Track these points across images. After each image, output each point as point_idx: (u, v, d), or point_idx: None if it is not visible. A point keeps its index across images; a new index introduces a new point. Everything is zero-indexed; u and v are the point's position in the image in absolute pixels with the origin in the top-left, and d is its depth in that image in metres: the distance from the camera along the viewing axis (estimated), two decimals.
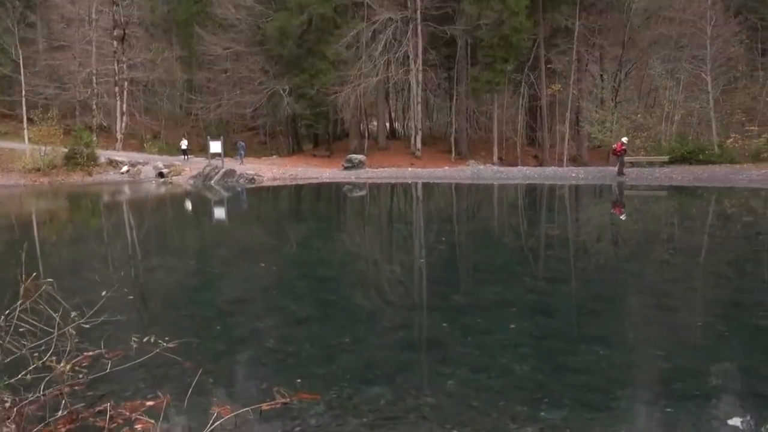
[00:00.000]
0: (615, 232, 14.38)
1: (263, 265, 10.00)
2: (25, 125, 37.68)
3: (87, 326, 4.21)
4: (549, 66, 43.80)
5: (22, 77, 39.78)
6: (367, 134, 48.44)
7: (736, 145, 30.14)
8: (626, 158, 28.12)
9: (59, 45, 46.74)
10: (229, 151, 39.19)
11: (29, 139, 35.76)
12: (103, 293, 4.72)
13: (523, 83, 43.19)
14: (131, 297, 7.47)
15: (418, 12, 40.29)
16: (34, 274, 3.93)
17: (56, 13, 47.60)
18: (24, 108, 38.73)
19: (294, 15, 40.92)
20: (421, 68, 41.86)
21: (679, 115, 34.28)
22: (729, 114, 34.66)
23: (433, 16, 40.87)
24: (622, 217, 16.79)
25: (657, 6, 40.36)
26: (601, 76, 45.48)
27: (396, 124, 58.62)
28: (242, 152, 38.56)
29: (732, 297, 7.56)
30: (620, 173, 27.18)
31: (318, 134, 50.56)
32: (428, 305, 7.37)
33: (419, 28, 40.62)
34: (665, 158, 29.41)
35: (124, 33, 46.65)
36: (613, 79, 43.53)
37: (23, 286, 3.87)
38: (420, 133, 43.42)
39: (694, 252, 10.96)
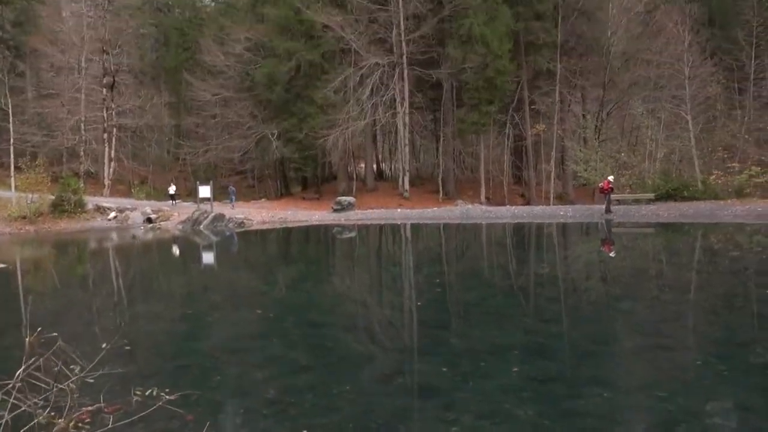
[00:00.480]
0: (605, 269, 14.48)
1: (259, 311, 9.93)
2: (12, 173, 37.50)
3: (90, 380, 4.16)
4: (533, 107, 44.76)
5: (11, 125, 39.82)
6: (355, 176, 48.79)
7: (719, 181, 30.74)
8: (613, 196, 28.55)
9: (48, 93, 47.04)
10: (217, 195, 39.22)
11: (16, 187, 35.55)
12: (103, 345, 4.67)
13: (508, 124, 44.03)
14: (127, 348, 7.37)
15: (404, 57, 41.20)
16: (39, 329, 3.89)
17: (46, 62, 48.08)
18: (12, 156, 38.64)
19: (282, 61, 41.66)
20: (407, 111, 42.55)
21: (661, 153, 35.02)
22: (710, 151, 35.48)
23: (418, 60, 41.80)
24: (612, 255, 16.94)
25: (635, 49, 41.70)
26: (584, 116, 46.45)
27: (383, 166, 59.16)
28: (233, 197, 38.72)
29: (726, 334, 7.62)
30: (607, 211, 27.53)
31: (306, 177, 50.87)
32: (426, 350, 7.34)
33: (405, 72, 41.48)
34: (651, 195, 29.88)
35: (114, 80, 47.15)
36: (596, 119, 44.49)
37: (28, 340, 3.82)
38: (408, 174, 43.83)
39: (684, 288, 11.07)
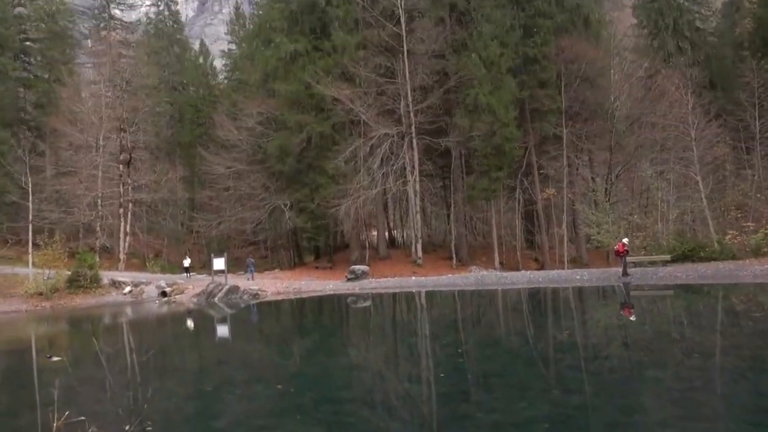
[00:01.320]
0: (627, 334, 14.20)
1: (279, 386, 9.77)
2: (30, 250, 38.03)
3: None
4: (542, 171, 45.24)
5: (30, 204, 40.70)
6: (367, 244, 48.92)
7: (735, 241, 30.47)
8: (628, 258, 28.31)
9: (67, 171, 48.32)
10: (231, 267, 39.38)
11: (33, 263, 35.98)
12: (126, 428, 4.62)
13: (518, 189, 44.39)
14: (149, 429, 7.23)
15: (413, 127, 42.15)
16: (67, 413, 3.88)
17: (65, 141, 49.61)
18: (30, 233, 39.31)
19: (294, 134, 42.71)
20: (418, 179, 43.10)
21: (674, 214, 34.96)
22: (723, 211, 35.40)
23: (427, 129, 42.72)
24: (633, 319, 16.64)
25: (639, 113, 42.45)
26: (593, 178, 46.80)
27: (395, 233, 59.36)
28: (252, 268, 39.09)
29: (758, 400, 7.37)
30: (624, 273, 27.24)
31: (319, 246, 51.06)
32: (450, 424, 7.15)
33: (414, 141, 42.31)
34: (667, 257, 29.59)
35: (130, 157, 48.42)
36: (605, 182, 44.77)
37: (55, 426, 3.81)
38: (420, 241, 43.90)
39: (710, 353, 10.81)
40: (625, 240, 28.76)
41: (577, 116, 45.01)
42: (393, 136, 42.11)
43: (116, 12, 65.32)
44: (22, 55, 55.97)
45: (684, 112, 34.63)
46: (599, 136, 45.18)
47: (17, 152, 46.72)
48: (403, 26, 40.95)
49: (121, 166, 48.03)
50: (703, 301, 20.57)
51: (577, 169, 47.78)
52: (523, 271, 35.99)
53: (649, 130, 40.75)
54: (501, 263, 42.75)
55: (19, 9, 56.59)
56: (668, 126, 37.06)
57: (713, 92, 46.87)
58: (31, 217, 40.59)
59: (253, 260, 41.25)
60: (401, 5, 40.64)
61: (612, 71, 43.99)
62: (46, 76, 55.05)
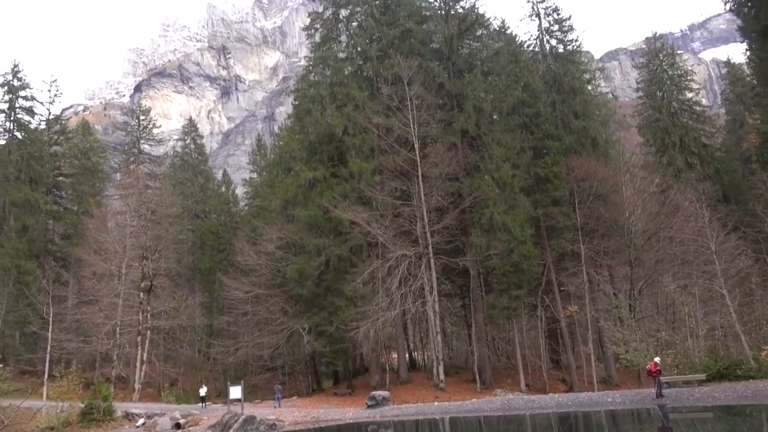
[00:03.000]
0: None
1: None
2: (45, 381, 37.51)
3: None
4: (562, 288, 44.68)
5: (50, 333, 40.75)
6: (387, 367, 47.51)
7: None
8: (662, 378, 27.03)
9: (88, 300, 48.75)
10: (248, 395, 38.27)
11: (47, 396, 35.30)
12: None
13: (539, 307, 43.62)
14: None
15: (430, 247, 42.44)
16: None
17: (89, 270, 50.51)
18: (47, 364, 38.99)
19: (312, 257, 43.16)
20: (437, 299, 42.66)
21: (703, 329, 33.82)
22: (755, 326, 34.19)
23: (444, 249, 42.96)
24: None
25: (655, 228, 42.52)
26: (615, 294, 45.97)
27: (416, 355, 57.77)
28: (279, 395, 38.23)
29: None
30: (659, 395, 25.87)
31: (338, 371, 49.70)
32: None
33: (432, 261, 42.40)
34: (702, 376, 28.21)
35: (151, 284, 48.90)
36: (628, 297, 43.92)
37: None
38: (441, 363, 42.56)
39: None
40: (657, 359, 27.60)
41: (593, 232, 45.20)
42: (411, 257, 42.31)
43: (145, 147, 69.15)
44: (54, 190, 58.86)
45: (701, 226, 34.65)
46: (617, 251, 45.01)
47: (41, 282, 47.53)
48: (417, 152, 42.61)
49: (141, 294, 48.41)
50: (747, 424, 19.32)
51: (598, 285, 47.15)
52: (551, 394, 34.41)
53: (667, 244, 40.62)
54: (527, 385, 41.02)
55: (55, 147, 60.32)
56: (687, 240, 36.93)
57: (728, 205, 47.19)
58: (49, 348, 40.46)
59: (280, 387, 40.68)
60: (415, 133, 42.57)
61: (624, 188, 44.69)
62: (75, 208, 57.48)
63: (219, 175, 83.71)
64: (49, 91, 59.65)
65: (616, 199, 44.70)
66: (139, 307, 48.03)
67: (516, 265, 39.35)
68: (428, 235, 42.43)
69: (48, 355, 39.96)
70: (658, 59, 59.97)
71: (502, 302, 40.24)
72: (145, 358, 46.75)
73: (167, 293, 51.23)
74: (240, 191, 78.15)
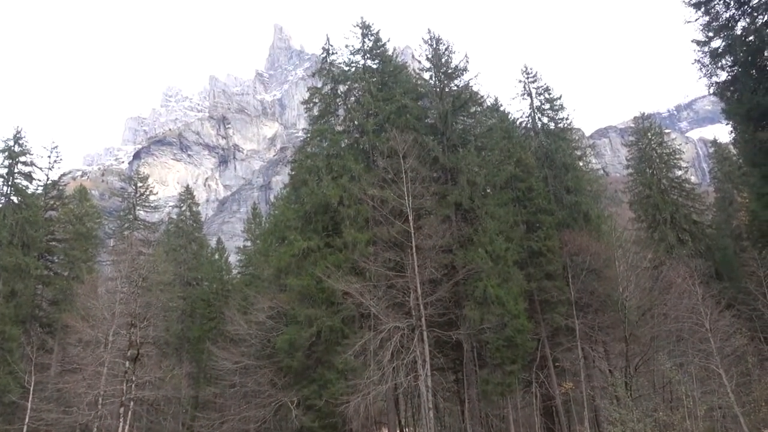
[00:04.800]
0: None
1: None
2: None
3: None
4: (557, 364, 43.97)
5: (29, 403, 39.41)
6: None
7: None
8: None
9: (72, 368, 47.44)
10: None
11: None
12: None
13: (533, 383, 42.75)
14: None
15: (423, 320, 41.96)
16: None
17: (75, 337, 49.38)
18: None
19: (303, 328, 42.51)
20: (429, 373, 41.76)
21: (701, 410, 33.10)
22: (754, 408, 33.52)
23: (437, 322, 42.45)
24: None
25: (649, 304, 42.40)
26: (611, 371, 45.20)
27: (407, 431, 56.00)
28: None
29: None
30: None
31: None
32: None
33: (425, 334, 41.81)
34: None
35: (138, 353, 47.74)
36: (624, 374, 43.16)
37: None
38: None
39: None
40: None
41: (587, 307, 44.98)
42: (403, 329, 41.76)
43: (141, 213, 69.40)
44: (46, 254, 58.44)
45: (694, 303, 34.57)
46: (612, 327, 44.65)
47: (25, 349, 46.43)
48: (411, 223, 42.89)
49: (127, 363, 47.12)
50: None
51: (594, 362, 46.42)
52: None
53: (662, 320, 40.39)
54: None
55: (51, 212, 60.45)
56: (681, 317, 36.78)
57: (720, 282, 47.28)
58: (27, 419, 39.02)
59: None
60: (409, 204, 43.02)
61: (617, 263, 44.88)
62: (66, 273, 56.91)
63: (213, 242, 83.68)
64: (49, 156, 60.35)
65: (610, 273, 44.76)
66: (123, 377, 46.62)
67: (510, 339, 38.88)
68: (421, 306, 42.04)
69: (26, 426, 38.45)
70: (647, 138, 61.70)
71: (496, 378, 39.47)
72: (127, 431, 44.99)
73: (154, 362, 49.89)
74: (233, 259, 77.86)
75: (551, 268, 44.15)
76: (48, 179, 61.39)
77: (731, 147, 58.40)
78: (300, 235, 45.46)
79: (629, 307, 43.41)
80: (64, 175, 65.89)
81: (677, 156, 61.80)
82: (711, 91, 41.64)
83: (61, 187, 64.54)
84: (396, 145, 44.35)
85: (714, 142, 71.62)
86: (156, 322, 52.16)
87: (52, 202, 62.19)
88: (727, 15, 34.34)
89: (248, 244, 73.29)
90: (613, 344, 45.86)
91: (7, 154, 56.77)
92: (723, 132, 61.41)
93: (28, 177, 58.60)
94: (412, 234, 43.09)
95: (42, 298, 56.88)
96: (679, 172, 61.23)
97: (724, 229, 57.97)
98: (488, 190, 46.00)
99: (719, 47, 34.61)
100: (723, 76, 35.30)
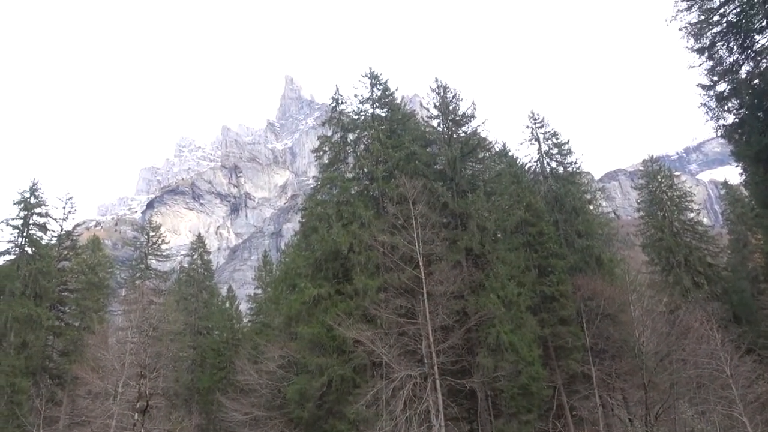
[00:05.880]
0: None
1: None
2: None
3: None
4: (574, 413, 42.80)
5: None
6: None
7: None
8: None
9: (81, 421, 46.82)
10: None
11: None
12: None
13: None
14: None
15: (436, 368, 41.23)
16: None
17: (84, 389, 48.98)
18: None
19: (314, 377, 41.90)
20: (443, 423, 40.77)
21: None
22: None
23: (450, 370, 41.69)
24: None
25: (667, 349, 41.45)
26: (631, 420, 43.90)
27: None
28: None
29: None
30: None
31: None
32: None
33: (438, 383, 41.02)
34: None
35: (147, 405, 47.11)
36: (644, 424, 41.84)
37: None
38: None
39: None
40: None
41: (603, 353, 44.09)
42: (416, 378, 41.03)
43: (153, 262, 69.70)
44: (58, 305, 58.54)
45: (714, 348, 33.78)
46: (630, 373, 43.56)
47: (34, 402, 45.99)
48: (422, 269, 42.68)
49: (136, 415, 46.45)
50: None
51: (612, 410, 45.18)
52: None
53: (681, 366, 39.40)
54: None
55: (63, 263, 60.85)
56: (700, 362, 35.87)
57: (739, 326, 46.24)
58: None
59: None
60: (419, 251, 42.90)
61: (632, 307, 44.12)
62: (77, 324, 56.84)
63: (224, 290, 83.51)
64: (64, 207, 61.19)
65: (625, 318, 43.98)
66: (132, 429, 45.92)
67: (525, 387, 38.03)
68: (434, 354, 41.39)
69: None
70: (657, 180, 61.60)
71: (512, 428, 38.44)
72: None
73: (163, 414, 49.21)
74: (244, 307, 77.57)
75: (565, 313, 43.52)
76: (62, 229, 62.06)
77: (743, 188, 58.10)
78: (310, 283, 45.35)
79: (646, 352, 42.42)
80: (78, 225, 66.64)
81: (688, 198, 61.51)
82: (719, 133, 41.77)
83: (74, 237, 65.13)
84: (405, 191, 44.59)
85: (725, 184, 71.34)
86: (166, 372, 51.64)
87: (65, 253, 62.67)
88: (731, 59, 34.76)
89: (259, 291, 73.07)
90: (632, 391, 44.64)
91: (23, 205, 57.65)
92: (733, 173, 61.34)
93: (43, 228, 59.29)
94: (423, 280, 42.83)
95: (53, 349, 56.66)
96: (691, 215, 60.77)
97: (740, 272, 57.05)
98: (498, 235, 45.90)
99: (724, 91, 34.90)
100: (730, 119, 35.46)
